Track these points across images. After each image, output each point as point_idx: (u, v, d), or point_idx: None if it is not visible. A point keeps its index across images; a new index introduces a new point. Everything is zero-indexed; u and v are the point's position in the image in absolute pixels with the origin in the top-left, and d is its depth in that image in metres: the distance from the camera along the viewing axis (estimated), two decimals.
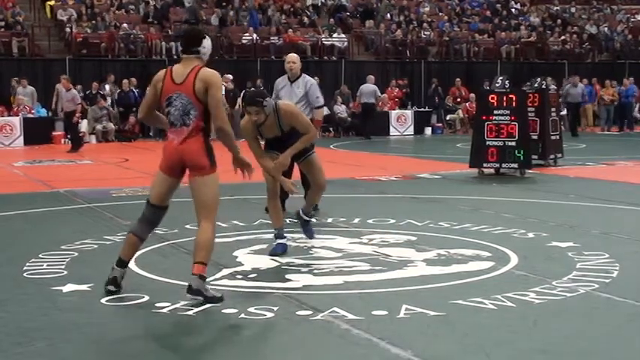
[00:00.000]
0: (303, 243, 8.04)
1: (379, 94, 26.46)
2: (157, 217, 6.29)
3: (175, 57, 27.40)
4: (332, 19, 31.55)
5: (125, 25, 27.77)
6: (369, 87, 25.95)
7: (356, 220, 9.47)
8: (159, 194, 6.18)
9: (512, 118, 14.12)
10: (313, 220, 8.26)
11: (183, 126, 5.94)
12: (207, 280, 6.54)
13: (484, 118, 14.37)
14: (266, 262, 7.22)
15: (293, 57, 10.45)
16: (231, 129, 5.90)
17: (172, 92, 5.95)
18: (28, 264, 7.19)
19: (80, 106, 21.75)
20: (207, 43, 6.05)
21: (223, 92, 27.11)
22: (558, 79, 27.77)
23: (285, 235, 7.69)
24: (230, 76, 25.59)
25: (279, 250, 7.52)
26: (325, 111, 15.65)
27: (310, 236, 8.14)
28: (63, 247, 7.90)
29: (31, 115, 24.09)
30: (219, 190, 6.00)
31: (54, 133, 23.86)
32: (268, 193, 7.67)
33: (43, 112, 24.71)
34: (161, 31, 28.38)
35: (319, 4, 32.48)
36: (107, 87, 25.45)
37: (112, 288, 6.15)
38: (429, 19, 33.29)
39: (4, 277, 6.85)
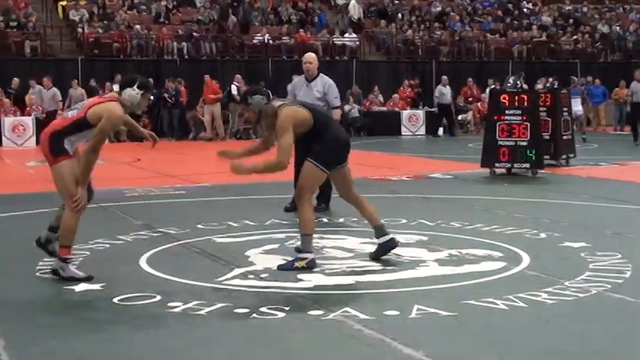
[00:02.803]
0: (314, 242, 8.02)
1: (444, 93, 27.17)
2: None
3: (187, 57, 27.52)
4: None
5: (137, 26, 27.84)
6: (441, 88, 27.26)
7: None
8: None
9: (524, 117, 14.09)
10: (304, 254, 7.04)
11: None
12: (219, 279, 6.57)
13: (496, 118, 14.36)
14: (278, 261, 7.21)
15: (310, 57, 10.41)
16: (93, 158, 6.63)
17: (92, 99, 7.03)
18: (40, 263, 7.21)
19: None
20: (128, 92, 6.69)
21: (235, 92, 27.16)
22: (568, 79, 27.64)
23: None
24: (238, 76, 25.71)
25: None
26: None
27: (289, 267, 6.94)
28: (75, 246, 7.88)
29: (44, 115, 24.16)
30: (66, 178, 6.58)
31: None
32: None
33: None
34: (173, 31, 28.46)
35: (360, 17, 32.34)
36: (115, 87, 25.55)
37: (35, 243, 7.04)
38: (441, 19, 33.24)
39: (17, 277, 6.88)
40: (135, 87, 6.69)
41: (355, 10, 32.11)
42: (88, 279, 6.60)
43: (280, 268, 6.96)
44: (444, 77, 27.41)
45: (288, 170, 8.49)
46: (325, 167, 7.06)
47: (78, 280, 6.55)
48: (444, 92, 27.02)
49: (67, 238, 6.66)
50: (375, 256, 7.34)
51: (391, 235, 7.41)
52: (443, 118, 27.21)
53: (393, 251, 7.51)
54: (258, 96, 7.02)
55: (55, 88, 22.50)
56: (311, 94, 9.92)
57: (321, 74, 10.26)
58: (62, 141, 6.63)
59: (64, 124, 6.71)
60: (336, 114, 10.13)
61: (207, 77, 25.20)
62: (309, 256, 6.99)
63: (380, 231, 7.41)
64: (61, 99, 22.67)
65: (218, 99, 24.97)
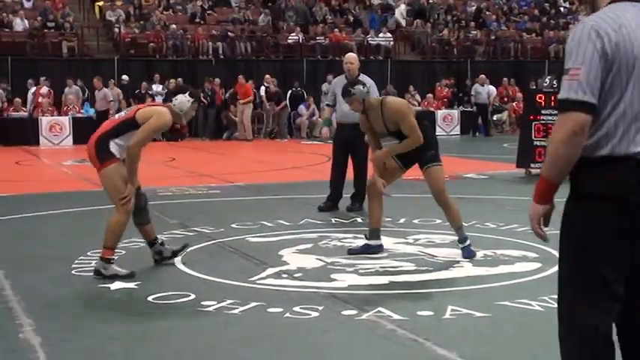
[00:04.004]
0: (348, 243, 8.04)
1: (479, 91, 27.03)
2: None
3: (222, 57, 27.63)
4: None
5: (173, 26, 28.01)
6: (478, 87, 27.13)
7: (402, 220, 9.45)
8: None
9: None
10: (468, 242, 7.39)
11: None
12: (253, 278, 6.59)
13: (532, 117, 14.26)
14: (311, 261, 7.23)
15: (351, 57, 10.45)
16: (136, 154, 6.69)
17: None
18: (76, 261, 7.29)
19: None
20: (180, 98, 6.96)
21: (263, 92, 27.18)
22: None
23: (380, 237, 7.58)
24: (268, 77, 25.75)
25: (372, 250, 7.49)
26: None
27: (469, 256, 7.30)
28: None
29: (80, 115, 24.39)
30: (114, 180, 6.74)
31: None
32: (368, 191, 7.56)
33: (92, 112, 25.01)
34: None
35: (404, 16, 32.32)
36: (160, 87, 25.68)
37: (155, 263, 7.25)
38: (477, 18, 33.06)
39: (54, 275, 6.94)
40: (187, 95, 6.97)
41: (401, 16, 32.04)
42: (131, 275, 6.69)
43: None
44: (482, 76, 27.18)
45: (324, 171, 8.52)
46: (440, 161, 7.48)
47: (121, 277, 6.62)
48: (479, 91, 26.86)
49: (112, 240, 6.77)
50: (352, 252, 7.50)
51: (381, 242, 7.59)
52: (479, 118, 27.04)
53: (427, 251, 7.51)
54: (359, 86, 7.32)
55: (105, 89, 22.68)
56: None
57: (361, 74, 10.28)
58: (108, 145, 6.77)
59: (111, 126, 6.90)
60: None
61: (240, 78, 25.27)
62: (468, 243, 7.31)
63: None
64: (111, 99, 22.85)
65: (248, 101, 24.99)
